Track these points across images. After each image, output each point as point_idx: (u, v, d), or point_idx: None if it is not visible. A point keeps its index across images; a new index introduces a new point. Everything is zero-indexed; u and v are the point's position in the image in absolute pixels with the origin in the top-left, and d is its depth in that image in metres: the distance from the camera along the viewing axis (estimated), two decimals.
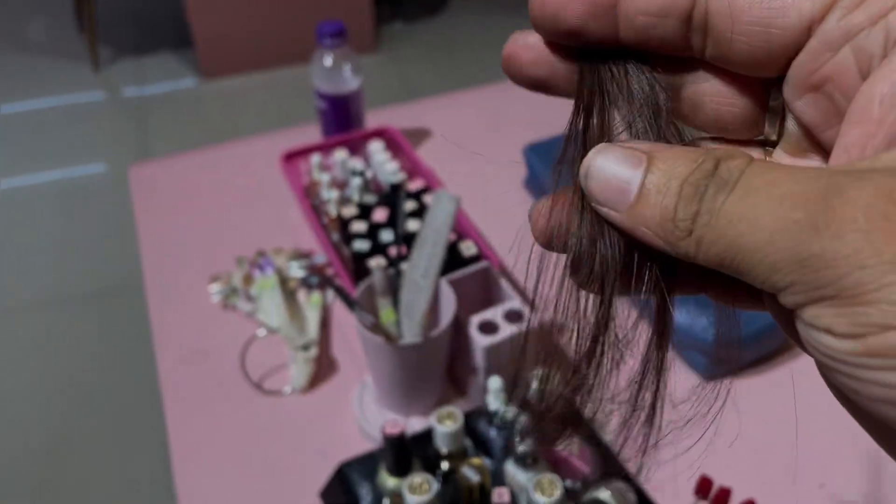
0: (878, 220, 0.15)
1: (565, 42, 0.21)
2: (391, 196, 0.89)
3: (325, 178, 0.92)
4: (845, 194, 0.15)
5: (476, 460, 0.63)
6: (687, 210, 0.17)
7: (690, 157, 0.18)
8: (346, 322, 0.83)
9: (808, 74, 0.19)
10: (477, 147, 1.09)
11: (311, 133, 1.08)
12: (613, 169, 0.19)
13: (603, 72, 0.21)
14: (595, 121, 0.21)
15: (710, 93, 0.21)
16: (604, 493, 0.61)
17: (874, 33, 0.17)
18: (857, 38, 0.18)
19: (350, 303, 0.68)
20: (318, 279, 0.85)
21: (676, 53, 0.20)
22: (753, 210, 0.16)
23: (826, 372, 0.17)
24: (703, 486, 0.64)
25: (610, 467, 0.66)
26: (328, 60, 0.97)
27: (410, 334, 0.69)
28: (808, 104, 0.19)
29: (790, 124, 0.21)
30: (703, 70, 0.21)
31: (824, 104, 0.19)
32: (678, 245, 0.18)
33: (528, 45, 0.22)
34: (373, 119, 1.07)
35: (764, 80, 0.21)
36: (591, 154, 0.20)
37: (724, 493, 0.63)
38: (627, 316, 0.21)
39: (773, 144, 0.22)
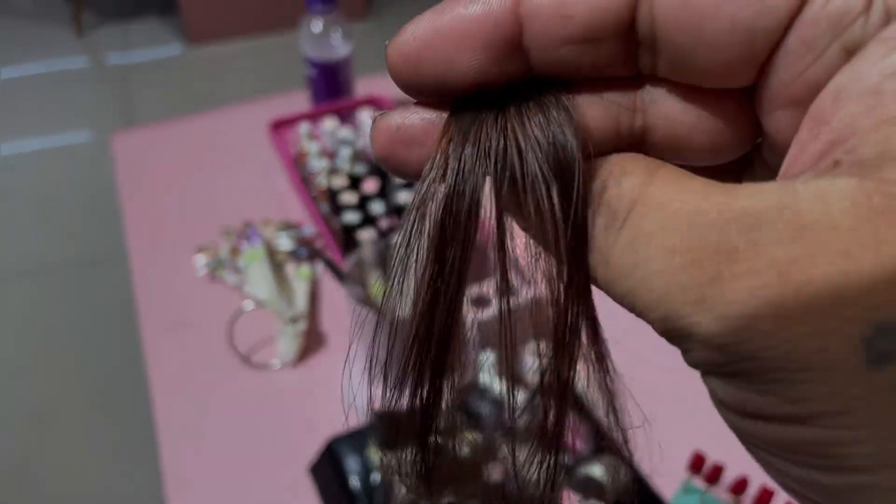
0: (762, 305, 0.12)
1: (454, 97, 0.16)
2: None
3: (314, 147, 0.90)
4: (735, 264, 0.12)
5: (468, 435, 0.62)
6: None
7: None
8: (335, 295, 0.82)
9: (784, 84, 0.13)
10: None
11: (300, 101, 1.05)
12: None
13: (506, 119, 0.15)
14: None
15: (666, 114, 0.16)
16: (596, 469, 0.61)
17: (872, 20, 0.12)
18: (851, 29, 0.12)
19: (340, 275, 0.67)
20: (308, 251, 0.83)
21: (616, 75, 0.15)
22: (645, 264, 0.13)
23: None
24: (697, 462, 0.63)
25: (602, 443, 0.65)
26: (317, 26, 0.94)
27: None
28: (783, 121, 0.14)
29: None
30: (650, 86, 0.16)
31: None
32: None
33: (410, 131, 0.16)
34: (363, 87, 1.04)
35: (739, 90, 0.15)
36: None
37: (717, 470, 0.62)
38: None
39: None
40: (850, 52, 0.12)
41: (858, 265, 0.11)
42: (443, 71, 0.15)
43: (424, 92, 0.16)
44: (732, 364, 0.12)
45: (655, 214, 0.13)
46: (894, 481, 0.11)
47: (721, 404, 0.13)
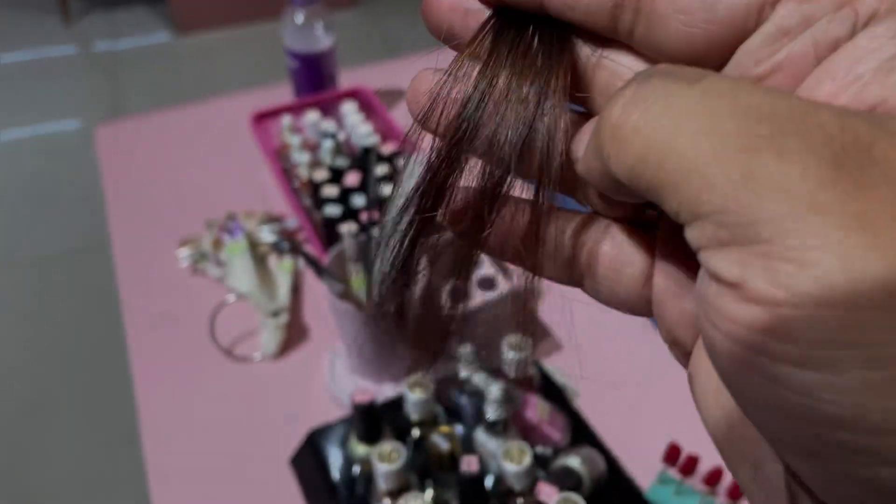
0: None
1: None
2: (364, 159, 0.87)
3: (295, 140, 0.90)
4: (757, 158, 0.12)
5: (446, 428, 0.63)
6: (624, 105, 0.14)
7: None
8: (317, 288, 0.82)
9: (754, 64, 0.16)
10: None
11: (284, 92, 1.05)
12: None
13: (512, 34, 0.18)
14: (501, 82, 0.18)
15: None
16: (573, 460, 0.61)
17: (839, 18, 0.15)
18: (819, 23, 0.15)
19: (319, 270, 0.67)
20: (290, 244, 0.84)
21: (602, 33, 0.18)
22: (711, 110, 0.13)
23: (715, 359, 0.13)
24: (672, 453, 0.64)
25: (580, 434, 0.66)
26: (299, 18, 0.94)
27: None
28: None
29: None
30: (626, 53, 0.18)
31: None
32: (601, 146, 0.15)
33: None
34: (348, 79, 1.04)
35: None
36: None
37: (692, 461, 0.63)
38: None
39: None
40: (818, 39, 0.15)
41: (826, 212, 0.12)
42: None
43: None
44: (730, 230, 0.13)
45: (726, 80, 0.14)
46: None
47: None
